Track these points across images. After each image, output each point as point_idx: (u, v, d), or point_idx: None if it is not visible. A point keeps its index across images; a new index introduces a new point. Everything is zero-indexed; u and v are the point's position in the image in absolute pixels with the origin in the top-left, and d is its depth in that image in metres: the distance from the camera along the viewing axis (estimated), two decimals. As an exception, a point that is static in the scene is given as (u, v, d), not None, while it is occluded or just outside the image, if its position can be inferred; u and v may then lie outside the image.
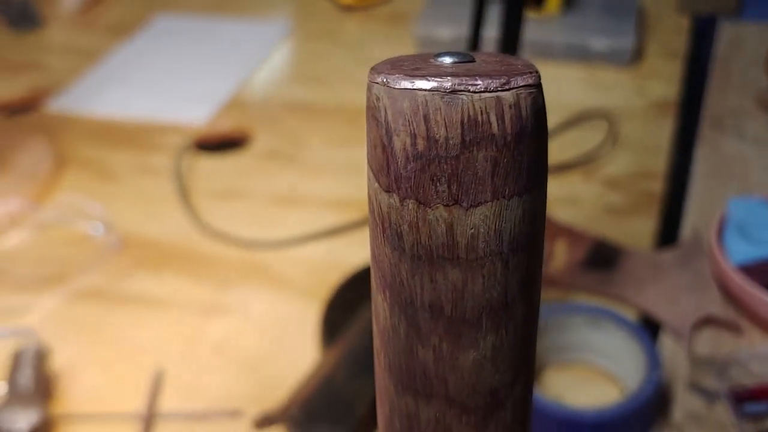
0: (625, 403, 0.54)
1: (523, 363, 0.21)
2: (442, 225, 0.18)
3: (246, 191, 0.84)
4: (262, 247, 0.76)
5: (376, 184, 0.19)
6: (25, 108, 1.01)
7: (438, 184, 0.18)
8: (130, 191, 0.85)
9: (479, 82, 0.17)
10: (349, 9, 1.19)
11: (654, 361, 0.56)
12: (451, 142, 0.18)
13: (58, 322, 0.69)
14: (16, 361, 0.61)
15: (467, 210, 0.18)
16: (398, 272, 0.19)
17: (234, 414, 0.60)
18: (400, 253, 0.19)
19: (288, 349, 0.65)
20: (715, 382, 0.59)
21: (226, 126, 0.96)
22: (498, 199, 0.18)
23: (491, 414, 0.21)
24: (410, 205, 0.19)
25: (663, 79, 0.98)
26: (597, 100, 0.95)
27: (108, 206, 0.81)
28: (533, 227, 0.19)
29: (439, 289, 0.19)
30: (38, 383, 0.60)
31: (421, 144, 0.18)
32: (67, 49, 1.15)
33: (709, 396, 0.59)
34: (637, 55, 1.02)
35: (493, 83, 0.18)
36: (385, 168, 0.19)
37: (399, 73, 0.18)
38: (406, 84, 0.18)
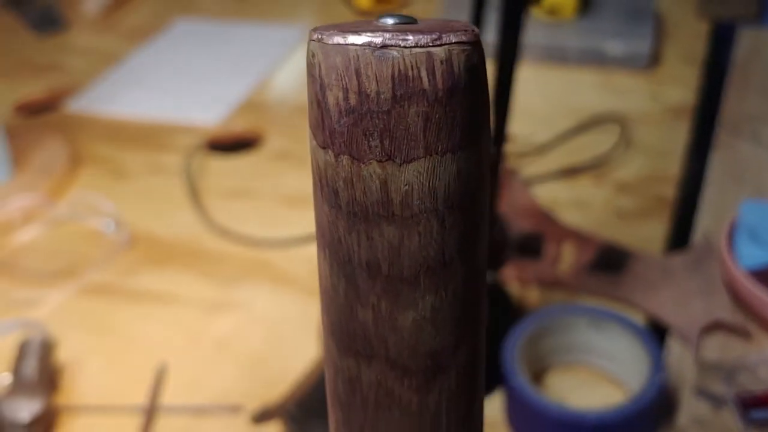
0: (628, 405, 0.53)
1: (465, 327, 0.20)
2: (376, 181, 0.18)
3: (255, 191, 0.85)
4: (268, 245, 0.76)
5: (314, 142, 0.19)
6: (44, 108, 1.02)
7: (371, 140, 0.18)
8: (142, 189, 0.86)
9: (410, 37, 0.17)
10: (365, 13, 1.19)
11: (658, 363, 0.55)
12: (382, 96, 0.18)
13: (66, 315, 0.70)
14: (22, 351, 0.62)
15: (400, 166, 0.18)
16: (336, 230, 0.19)
17: (234, 409, 0.60)
18: (337, 211, 0.19)
19: (290, 347, 0.65)
20: (723, 388, 0.58)
21: (239, 127, 0.96)
22: (431, 155, 0.18)
23: (433, 378, 0.20)
24: (344, 161, 0.19)
25: (679, 84, 0.97)
26: (611, 105, 0.94)
27: (120, 204, 0.82)
28: (470, 185, 0.19)
29: (376, 247, 0.19)
30: (42, 374, 0.61)
31: (353, 98, 0.18)
32: (88, 52, 1.17)
33: (715, 401, 0.57)
34: (653, 60, 1.01)
35: (424, 39, 0.17)
36: (320, 124, 0.19)
37: (335, 31, 0.18)
38: (338, 39, 0.18)
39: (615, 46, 1.00)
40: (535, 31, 1.02)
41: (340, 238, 0.19)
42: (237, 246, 0.76)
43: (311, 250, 0.75)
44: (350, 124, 0.18)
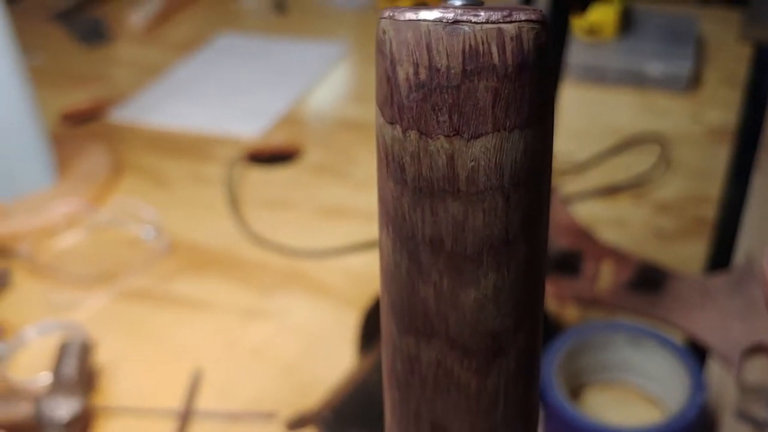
0: (668, 424, 0.52)
1: (526, 309, 0.20)
2: (443, 156, 0.19)
3: (293, 202, 0.86)
4: (305, 256, 0.77)
5: (381, 119, 0.19)
6: (89, 117, 1.04)
7: (439, 114, 0.18)
8: (182, 198, 0.87)
9: (482, 13, 0.18)
10: (405, 32, 1.20)
11: (698, 383, 0.55)
12: (452, 71, 0.18)
13: (105, 318, 0.71)
14: (62, 352, 0.63)
15: (468, 141, 0.18)
16: (400, 206, 0.19)
17: (269, 416, 0.60)
18: (402, 186, 0.19)
19: (325, 356, 0.66)
20: (765, 411, 0.57)
21: (279, 140, 0.98)
22: (499, 131, 0.18)
23: (493, 360, 0.20)
24: (412, 136, 0.19)
25: (720, 107, 0.96)
26: (650, 125, 0.93)
27: (160, 211, 0.83)
28: (536, 163, 0.19)
29: (440, 223, 0.19)
30: (81, 375, 0.62)
31: (423, 73, 0.18)
32: (133, 64, 1.19)
33: (757, 425, 0.56)
34: (694, 82, 1.00)
35: (495, 15, 0.18)
36: (389, 99, 0.19)
37: (406, 8, 0.18)
38: (410, 15, 0.18)
39: (655, 68, 1.00)
40: (575, 50, 1.02)
41: (404, 214, 0.19)
42: (274, 255, 0.77)
43: (347, 261, 0.76)
44: (419, 99, 0.18)
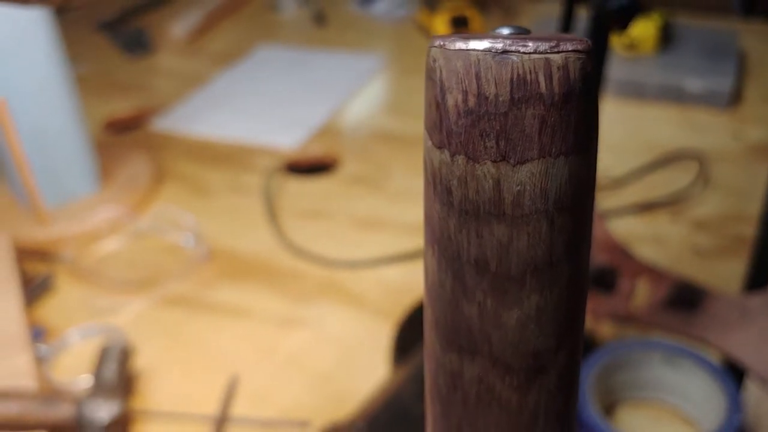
0: (701, 445, 0.52)
1: (568, 329, 0.21)
2: (490, 181, 0.19)
3: (330, 213, 0.87)
4: (341, 266, 0.78)
5: (429, 143, 0.20)
6: (131, 126, 1.07)
7: (487, 140, 0.19)
8: (221, 207, 0.89)
9: (530, 44, 0.18)
10: (443, 45, 1.21)
11: (735, 404, 0.54)
12: (500, 99, 0.18)
13: (145, 324, 0.72)
14: (103, 356, 0.64)
15: (514, 167, 0.19)
16: (446, 227, 0.20)
17: (303, 424, 0.61)
18: (448, 208, 0.20)
19: (359, 366, 0.66)
20: (802, 435, 0.56)
21: (317, 151, 0.99)
22: (545, 157, 0.19)
23: (534, 378, 0.21)
24: (460, 161, 0.19)
25: (762, 124, 0.95)
26: (689, 141, 0.93)
27: (200, 219, 0.85)
28: (580, 188, 0.20)
29: (485, 245, 0.20)
30: (121, 378, 0.63)
31: (472, 100, 0.19)
32: (174, 74, 1.22)
33: (794, 448, 0.55)
34: (735, 98, 0.99)
35: (543, 45, 0.18)
36: (438, 125, 0.19)
37: (457, 38, 0.19)
38: (460, 45, 0.19)
39: (695, 84, 0.99)
40: (614, 65, 1.02)
41: (450, 235, 0.20)
42: (310, 265, 0.78)
43: (382, 273, 0.76)
44: (468, 125, 0.19)
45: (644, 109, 1.01)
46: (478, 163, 0.19)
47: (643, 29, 1.04)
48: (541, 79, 0.18)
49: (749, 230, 0.78)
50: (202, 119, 1.07)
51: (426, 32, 1.25)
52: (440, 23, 1.20)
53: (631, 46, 1.05)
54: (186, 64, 1.25)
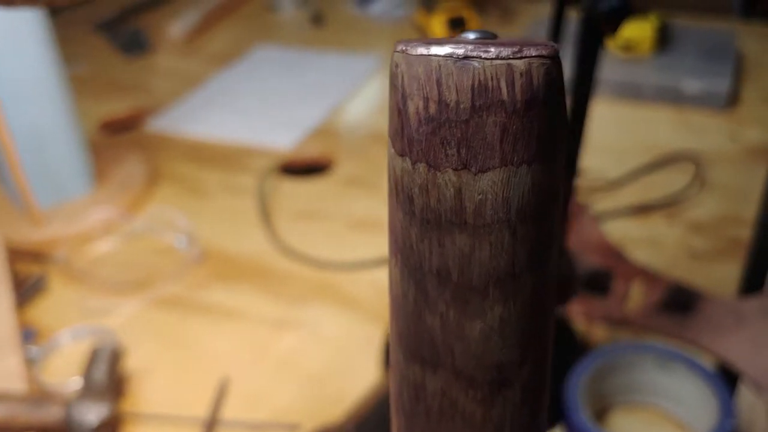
0: (693, 450, 0.52)
1: (533, 342, 0.20)
2: (451, 189, 0.19)
3: (325, 214, 0.86)
4: (335, 268, 0.77)
5: (392, 150, 0.20)
6: (127, 126, 1.07)
7: (448, 148, 0.18)
8: (215, 208, 0.89)
9: (492, 49, 0.18)
10: (440, 45, 1.21)
11: (728, 409, 0.54)
12: (461, 106, 0.18)
13: (137, 325, 0.72)
14: (93, 358, 0.64)
15: (476, 175, 0.19)
16: (408, 236, 0.20)
17: (293, 427, 0.61)
18: (410, 217, 0.20)
19: (352, 369, 0.66)
20: (796, 439, 0.55)
21: (312, 152, 0.98)
22: (506, 166, 0.18)
23: (498, 391, 0.20)
24: (421, 169, 0.19)
25: (759, 125, 0.95)
26: (686, 143, 0.92)
27: (194, 220, 0.85)
28: (543, 198, 0.19)
29: (447, 254, 0.19)
30: (111, 380, 0.63)
31: (432, 107, 0.18)
32: (171, 74, 1.21)
33: (788, 453, 0.55)
34: (732, 100, 0.99)
35: (505, 51, 0.18)
36: (399, 132, 0.19)
37: (419, 42, 0.19)
38: (422, 50, 0.18)
39: (692, 85, 0.98)
40: (610, 66, 1.02)
41: (412, 244, 0.20)
42: (304, 267, 0.78)
43: (376, 275, 0.76)
44: (429, 133, 0.19)
45: (641, 110, 1.00)
46: (440, 171, 0.19)
47: (640, 30, 1.03)
48: (503, 85, 0.18)
49: (745, 233, 0.77)
50: (198, 119, 1.07)
51: (423, 33, 1.24)
52: (437, 24, 1.20)
53: (628, 47, 1.05)
54: (183, 64, 1.25)
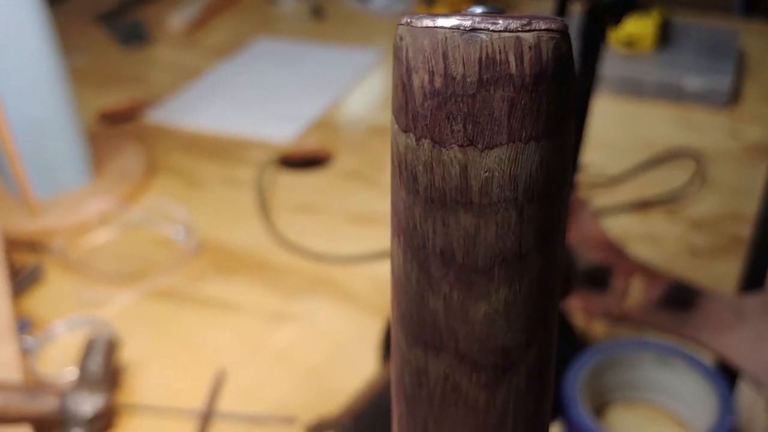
0: (692, 447, 0.51)
1: (539, 326, 0.20)
2: (457, 166, 0.18)
3: (323, 207, 0.86)
4: (332, 261, 0.77)
5: (396, 126, 0.19)
6: (126, 117, 1.06)
7: (453, 123, 0.18)
8: (214, 200, 0.88)
9: (500, 21, 0.17)
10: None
11: (727, 406, 0.53)
12: (468, 80, 0.18)
13: (133, 316, 0.72)
14: (89, 348, 0.64)
15: (482, 152, 0.18)
16: (412, 215, 0.19)
17: (289, 420, 0.60)
18: (414, 196, 0.19)
19: (349, 362, 0.65)
20: (795, 437, 0.55)
21: (311, 145, 0.98)
22: (514, 142, 0.18)
23: (503, 376, 0.20)
24: (426, 145, 0.18)
25: (760, 123, 0.94)
26: (687, 140, 0.92)
27: (191, 212, 0.84)
28: (552, 176, 0.19)
29: (451, 234, 0.19)
30: (106, 371, 0.62)
31: (438, 81, 0.18)
32: (171, 66, 1.21)
33: (787, 451, 0.55)
34: (733, 97, 0.99)
35: (514, 24, 0.17)
36: (403, 107, 0.19)
37: (424, 15, 0.18)
38: (427, 22, 0.18)
39: (693, 82, 0.98)
40: (612, 62, 1.01)
41: (415, 224, 0.19)
42: (302, 260, 0.77)
43: (374, 268, 0.76)
44: (434, 108, 0.18)
45: (642, 106, 1.00)
46: (445, 147, 0.18)
47: (642, 26, 1.03)
48: (512, 59, 0.17)
49: (745, 230, 0.77)
50: (197, 111, 1.06)
51: (424, 27, 1.24)
52: (439, 18, 1.19)
53: (630, 44, 1.04)
54: (183, 56, 1.24)
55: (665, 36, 1.07)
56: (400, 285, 0.20)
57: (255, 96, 1.10)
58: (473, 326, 0.19)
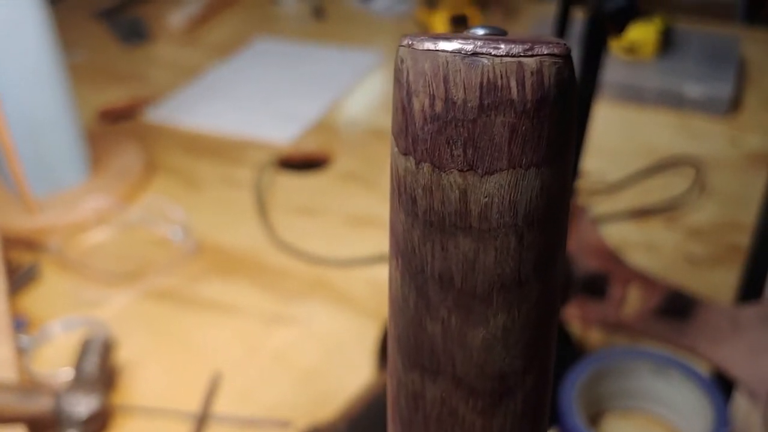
0: (687, 457, 0.51)
1: (536, 352, 0.20)
2: (456, 191, 0.18)
3: (321, 209, 0.86)
4: (330, 264, 0.77)
5: (395, 148, 0.19)
6: (125, 115, 1.06)
7: (454, 148, 0.18)
8: (212, 200, 0.88)
9: (502, 46, 0.17)
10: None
11: (723, 417, 0.53)
12: (469, 105, 0.17)
13: (129, 317, 0.72)
14: (84, 348, 0.64)
15: (482, 177, 0.18)
16: (410, 238, 0.19)
17: (284, 424, 0.60)
18: (413, 219, 0.19)
19: (345, 366, 0.65)
20: (790, 449, 0.55)
21: (310, 147, 0.98)
22: (514, 168, 0.18)
23: (500, 401, 0.20)
24: (425, 169, 0.18)
25: (761, 131, 0.94)
26: (687, 148, 0.92)
27: (190, 212, 0.84)
28: (552, 202, 0.18)
29: (450, 259, 0.19)
30: (102, 372, 0.62)
31: (439, 105, 0.18)
32: (171, 64, 1.21)
33: (782, 463, 0.55)
34: (734, 105, 0.99)
35: (516, 48, 0.17)
36: (403, 130, 0.18)
37: (426, 37, 0.18)
38: (429, 45, 0.18)
39: (694, 89, 0.98)
40: (613, 69, 1.01)
41: (414, 247, 0.19)
42: (300, 262, 0.77)
43: (373, 272, 0.75)
44: (434, 132, 0.18)
45: (642, 113, 1.00)
46: (445, 171, 0.18)
47: (644, 33, 1.03)
48: (513, 84, 0.17)
49: (744, 239, 0.77)
50: (196, 111, 1.06)
51: (425, 30, 1.24)
52: (439, 21, 1.19)
53: (631, 50, 1.04)
54: (183, 54, 1.24)
55: (667, 43, 1.07)
56: (398, 307, 0.20)
57: (255, 96, 1.10)
58: (471, 351, 0.19)
